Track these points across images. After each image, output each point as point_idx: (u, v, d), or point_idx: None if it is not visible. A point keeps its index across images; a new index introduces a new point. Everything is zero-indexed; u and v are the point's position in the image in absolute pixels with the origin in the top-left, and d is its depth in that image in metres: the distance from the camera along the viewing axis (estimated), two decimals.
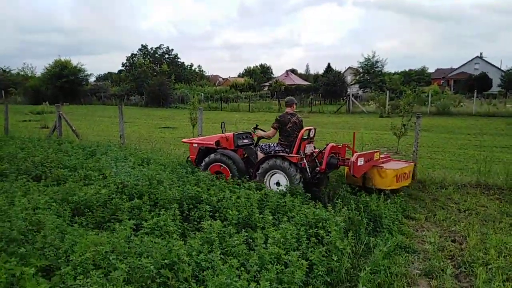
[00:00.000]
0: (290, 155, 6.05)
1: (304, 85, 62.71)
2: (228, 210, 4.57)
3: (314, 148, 6.66)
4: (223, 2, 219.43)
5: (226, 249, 3.75)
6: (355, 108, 31.24)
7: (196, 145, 7.05)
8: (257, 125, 7.05)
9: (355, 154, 5.89)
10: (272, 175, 6.10)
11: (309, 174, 6.04)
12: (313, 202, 5.29)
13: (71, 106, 38.70)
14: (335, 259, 3.61)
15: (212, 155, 6.58)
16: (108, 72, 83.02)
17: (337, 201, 5.26)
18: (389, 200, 5.61)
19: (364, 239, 4.44)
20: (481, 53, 64.14)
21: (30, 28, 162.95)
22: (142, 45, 64.89)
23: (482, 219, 5.49)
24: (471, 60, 63.73)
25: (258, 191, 5.32)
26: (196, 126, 11.21)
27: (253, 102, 39.31)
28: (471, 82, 48.63)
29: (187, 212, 4.83)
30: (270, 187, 6.05)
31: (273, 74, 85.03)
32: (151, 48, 64.89)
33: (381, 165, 6.16)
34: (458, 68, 65.01)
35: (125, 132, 11.46)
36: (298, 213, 4.62)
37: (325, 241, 3.94)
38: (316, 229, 4.24)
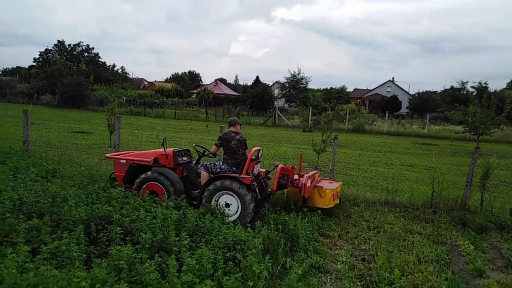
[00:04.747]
0: (243, 176, 5.71)
1: (232, 95, 63.26)
2: (141, 233, 4.25)
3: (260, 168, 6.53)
4: (152, 5, 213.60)
5: (135, 278, 3.46)
6: (280, 121, 32.28)
7: (124, 161, 6.34)
8: (195, 144, 6.62)
9: (305, 176, 6.08)
10: (220, 196, 5.71)
11: (258, 195, 5.86)
12: (233, 222, 5.21)
13: None
14: (251, 285, 3.53)
15: (149, 173, 5.96)
16: (17, 67, 75.32)
17: (256, 221, 5.24)
18: (306, 219, 5.77)
19: (281, 260, 4.46)
20: (393, 77, 71.09)
21: None
22: (58, 41, 59.70)
23: (389, 237, 5.89)
24: (384, 83, 70.14)
25: (176, 210, 5.07)
26: (114, 134, 10.52)
27: (180, 109, 38.50)
28: (384, 104, 53.44)
29: (95, 234, 4.40)
30: (217, 208, 5.62)
31: (202, 82, 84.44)
32: (69, 45, 60.08)
33: (320, 185, 6.38)
34: (373, 89, 71.03)
35: (31, 137, 10.31)
36: (217, 235, 4.48)
37: (242, 265, 3.86)
38: (234, 252, 4.15)
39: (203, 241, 4.36)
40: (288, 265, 4.38)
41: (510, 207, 7.02)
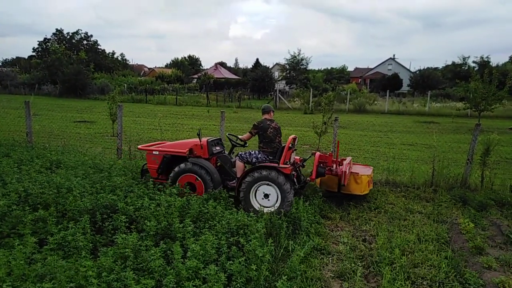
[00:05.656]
0: (282, 165, 5.50)
1: (233, 79, 62.87)
2: (146, 221, 4.34)
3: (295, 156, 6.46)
4: None
5: (141, 265, 3.55)
6: (281, 104, 32.15)
7: (157, 152, 6.21)
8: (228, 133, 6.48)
9: (344, 163, 6.10)
10: (259, 187, 5.51)
11: (296, 184, 5.76)
12: (236, 207, 5.29)
13: None
14: (254, 268, 3.62)
15: (183, 165, 5.83)
16: (17, 57, 75.00)
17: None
18: (308, 202, 5.84)
19: (284, 243, 4.55)
20: (393, 55, 70.34)
21: None
22: (56, 29, 59.88)
23: (389, 217, 5.97)
24: (385, 61, 69.38)
25: (180, 197, 5.14)
26: (116, 122, 10.57)
27: (181, 95, 38.37)
28: (385, 82, 52.99)
29: (101, 223, 4.50)
30: (256, 199, 5.53)
31: (202, 66, 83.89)
32: (67, 33, 59.94)
33: (355, 171, 6.38)
34: (374, 68, 70.35)
35: (34, 128, 10.36)
36: (220, 220, 4.56)
37: (245, 249, 3.94)
38: (237, 236, 4.24)
39: (207, 227, 4.44)
40: (290, 248, 4.48)
41: (511, 184, 7.07)
